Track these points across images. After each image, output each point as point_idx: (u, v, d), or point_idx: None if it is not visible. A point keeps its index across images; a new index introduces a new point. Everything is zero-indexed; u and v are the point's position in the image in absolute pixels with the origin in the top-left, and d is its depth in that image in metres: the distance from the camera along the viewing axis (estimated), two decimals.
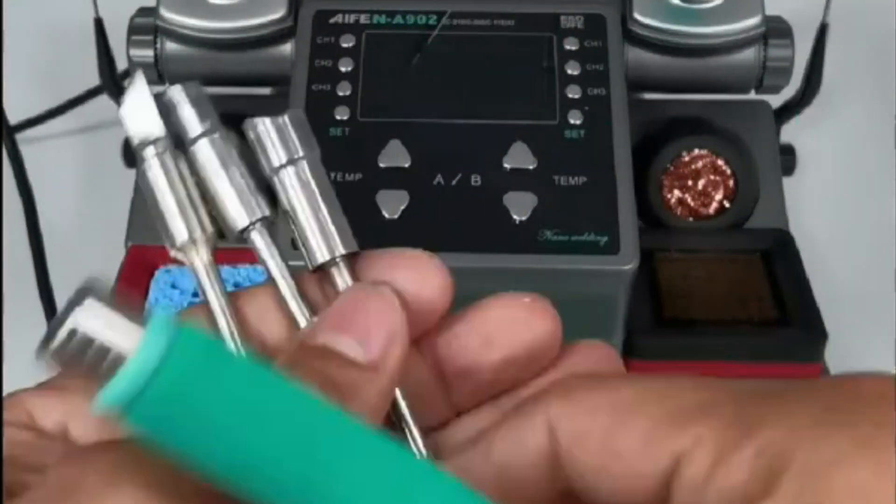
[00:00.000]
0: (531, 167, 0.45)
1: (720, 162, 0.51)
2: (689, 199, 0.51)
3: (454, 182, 0.44)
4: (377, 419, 0.22)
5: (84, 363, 0.17)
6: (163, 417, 0.17)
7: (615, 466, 0.21)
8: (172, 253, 0.24)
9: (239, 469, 0.17)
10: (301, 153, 0.23)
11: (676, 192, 0.52)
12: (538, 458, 0.23)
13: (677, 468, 0.20)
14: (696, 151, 0.52)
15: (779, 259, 0.50)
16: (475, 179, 0.44)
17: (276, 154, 0.23)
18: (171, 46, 0.52)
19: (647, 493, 0.21)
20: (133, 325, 0.17)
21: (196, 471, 0.17)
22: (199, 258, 0.24)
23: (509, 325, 0.26)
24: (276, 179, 0.24)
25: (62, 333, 0.17)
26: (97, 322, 0.17)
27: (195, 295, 0.48)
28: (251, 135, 0.23)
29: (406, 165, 0.45)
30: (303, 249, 0.24)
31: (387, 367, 0.22)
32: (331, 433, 0.18)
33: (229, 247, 0.53)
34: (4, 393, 0.21)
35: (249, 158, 0.24)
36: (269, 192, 0.24)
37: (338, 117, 0.46)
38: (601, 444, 0.22)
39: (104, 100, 0.56)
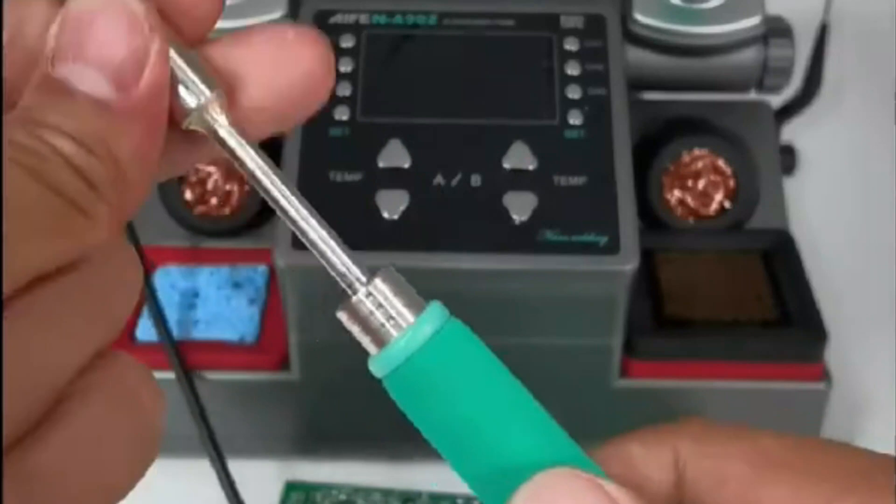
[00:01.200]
0: (531, 167, 0.45)
1: (720, 162, 0.51)
2: (690, 200, 0.51)
3: (454, 182, 0.44)
4: (149, 165, 0.19)
5: (369, 324, 0.21)
6: (409, 384, 0.21)
7: None
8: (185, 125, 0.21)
9: (438, 432, 0.21)
10: None
11: (676, 193, 0.51)
12: (658, 491, 0.22)
13: None
14: (696, 151, 0.52)
15: (779, 259, 0.50)
16: (475, 179, 0.44)
17: None
18: None
19: None
20: (411, 306, 0.21)
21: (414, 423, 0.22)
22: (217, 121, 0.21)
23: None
24: None
25: (362, 293, 0.21)
26: (389, 292, 0.21)
27: (195, 295, 0.48)
28: None
29: (406, 165, 0.45)
30: None
31: (142, 103, 0.19)
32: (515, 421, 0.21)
33: (229, 247, 0.53)
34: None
35: None
36: None
37: (338, 117, 0.46)
38: (740, 494, 0.21)
39: None
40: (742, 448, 0.22)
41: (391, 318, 0.21)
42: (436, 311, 0.21)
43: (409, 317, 0.21)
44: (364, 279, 0.21)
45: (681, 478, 0.22)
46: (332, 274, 0.21)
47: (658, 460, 0.23)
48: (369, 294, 0.21)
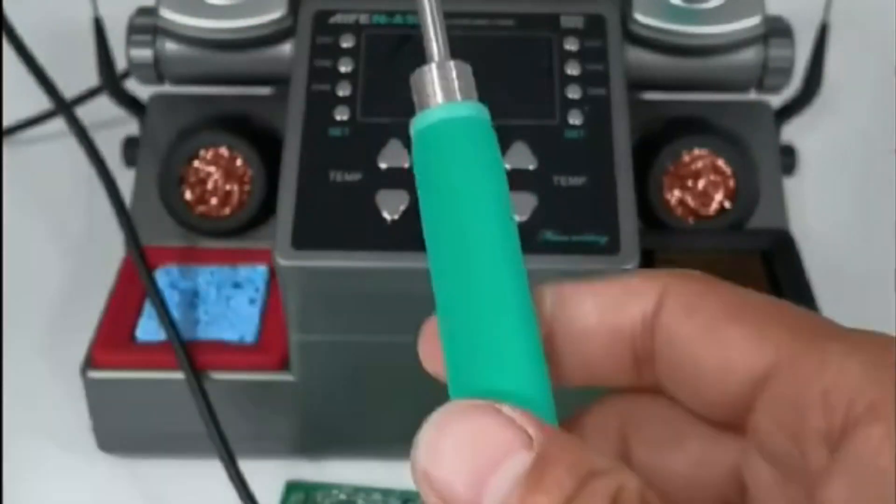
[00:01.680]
0: (531, 167, 0.45)
1: (720, 162, 0.51)
2: (690, 200, 0.51)
3: None
4: None
5: (425, 90, 0.25)
6: (428, 149, 0.24)
7: (719, 356, 0.23)
8: None
9: (429, 211, 0.24)
10: None
11: (676, 193, 0.52)
12: (633, 329, 0.25)
13: (778, 367, 0.22)
14: (696, 151, 0.52)
15: (779, 259, 0.50)
16: None
17: None
18: (170, 46, 0.52)
19: (741, 386, 0.23)
20: (465, 94, 0.25)
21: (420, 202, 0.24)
22: None
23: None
24: None
25: (434, 65, 0.25)
26: (454, 75, 0.25)
27: (195, 295, 0.48)
28: None
29: (406, 165, 0.45)
30: None
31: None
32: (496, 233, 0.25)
33: (229, 247, 0.53)
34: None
35: None
36: None
37: (338, 117, 0.46)
38: (703, 325, 0.23)
39: (104, 100, 0.56)
40: (719, 289, 0.24)
41: (444, 93, 0.25)
42: (480, 108, 0.25)
43: (458, 98, 0.25)
44: (442, 57, 0.25)
45: (658, 308, 0.24)
46: (424, 40, 0.25)
47: (646, 293, 0.25)
48: (438, 68, 0.25)
